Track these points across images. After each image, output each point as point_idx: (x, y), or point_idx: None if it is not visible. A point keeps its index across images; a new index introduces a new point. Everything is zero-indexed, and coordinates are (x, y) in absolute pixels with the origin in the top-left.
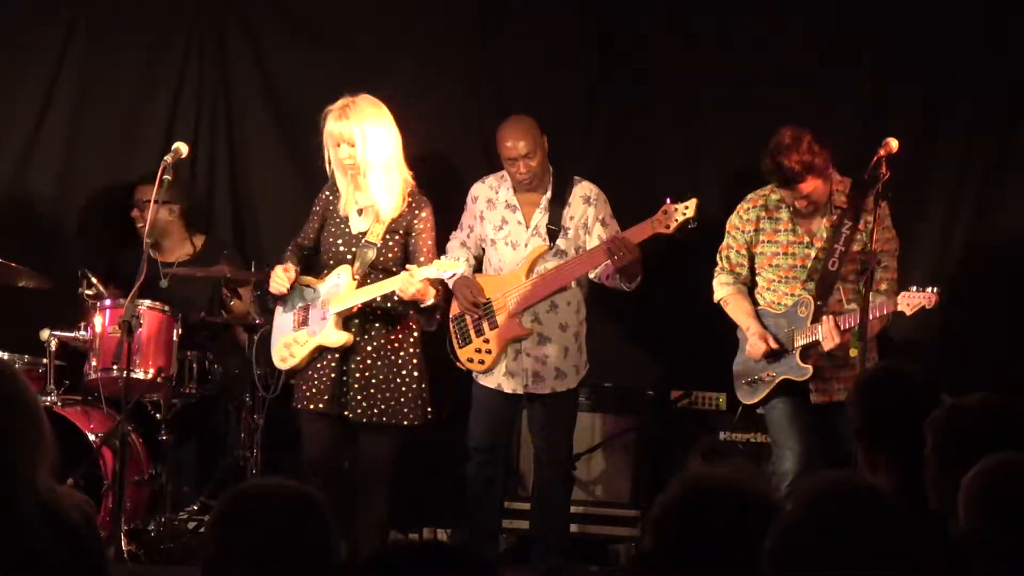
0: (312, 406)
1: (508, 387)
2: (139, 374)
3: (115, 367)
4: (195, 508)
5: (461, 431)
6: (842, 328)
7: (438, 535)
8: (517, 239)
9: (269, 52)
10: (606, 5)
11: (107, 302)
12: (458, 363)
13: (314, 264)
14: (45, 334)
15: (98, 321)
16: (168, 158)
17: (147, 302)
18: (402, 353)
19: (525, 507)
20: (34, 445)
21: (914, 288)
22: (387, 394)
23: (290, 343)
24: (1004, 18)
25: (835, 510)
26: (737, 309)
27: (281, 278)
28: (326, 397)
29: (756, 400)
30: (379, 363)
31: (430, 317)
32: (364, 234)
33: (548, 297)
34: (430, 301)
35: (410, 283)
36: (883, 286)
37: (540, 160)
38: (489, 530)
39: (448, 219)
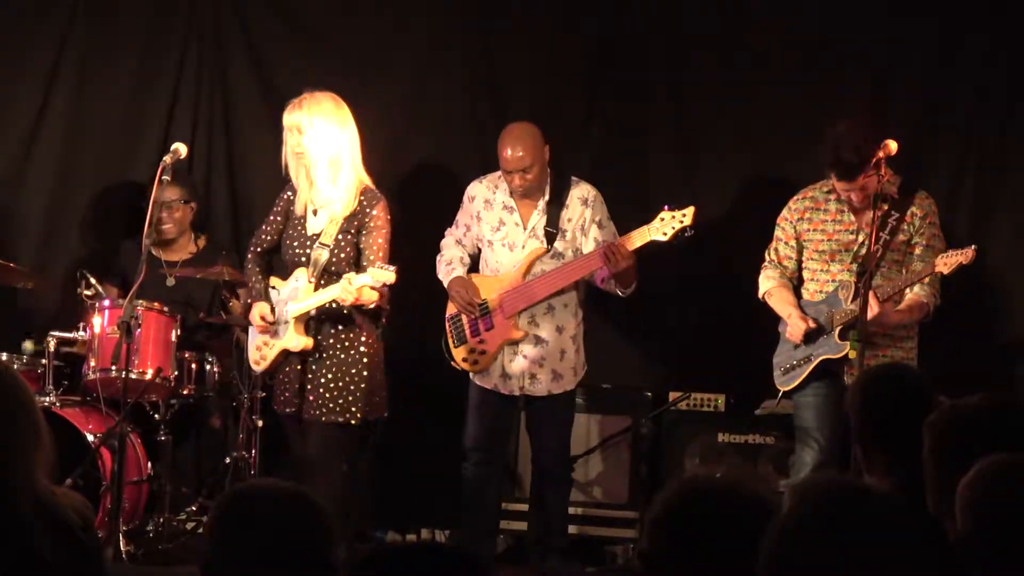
0: (287, 409)
1: (504, 388)
2: (138, 375)
3: (114, 368)
4: (193, 509)
5: (459, 432)
6: (882, 298)
7: (435, 536)
8: (514, 240)
9: (267, 53)
10: (605, 8)
11: (106, 302)
12: (453, 363)
13: (275, 263)
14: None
15: (97, 322)
16: (167, 159)
17: (145, 303)
18: (352, 352)
19: (523, 508)
20: (31, 445)
21: (949, 249)
22: (335, 392)
23: (260, 346)
24: (1002, 18)
25: (832, 512)
26: (780, 300)
27: (262, 323)
28: (296, 400)
29: (796, 383)
30: (327, 362)
31: (376, 319)
32: (318, 235)
33: (544, 300)
34: (371, 306)
35: (348, 291)
36: (926, 280)
37: (537, 173)
38: (486, 531)
39: (439, 218)
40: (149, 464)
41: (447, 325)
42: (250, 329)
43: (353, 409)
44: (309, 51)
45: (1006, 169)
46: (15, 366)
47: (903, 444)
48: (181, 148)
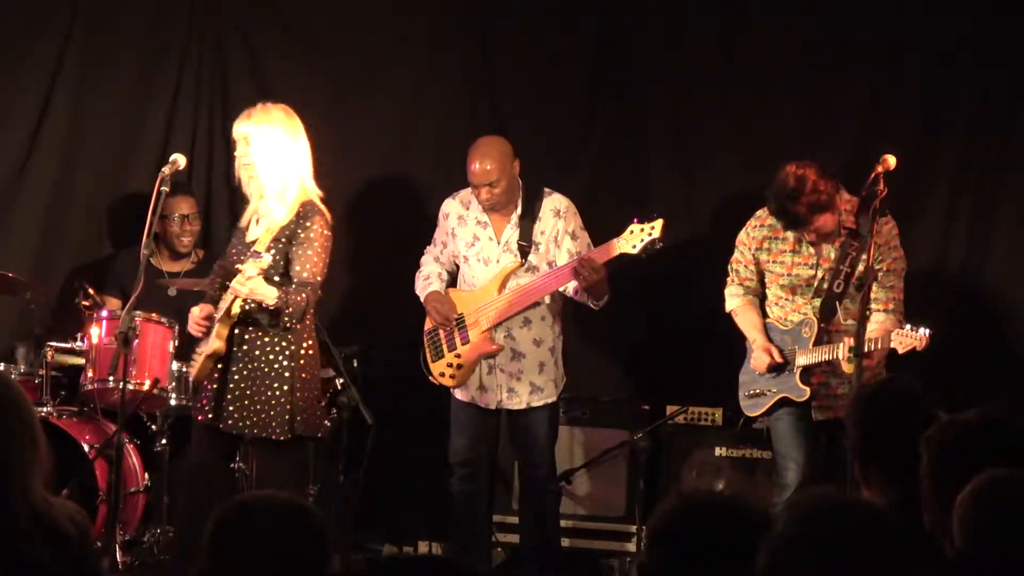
0: (200, 416)
1: (481, 401)
2: (135, 385)
3: (111, 378)
4: None
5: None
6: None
7: (432, 548)
8: (488, 255)
9: (267, 61)
10: (605, 13)
11: (104, 313)
12: (431, 377)
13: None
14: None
15: (94, 332)
16: (166, 170)
17: (143, 313)
18: (275, 365)
19: (517, 521)
20: (28, 455)
21: (908, 327)
22: (257, 407)
23: (194, 355)
24: (1001, 27)
25: (827, 526)
26: (746, 321)
27: (198, 324)
28: (212, 406)
29: (758, 413)
30: (247, 375)
31: (277, 319)
32: (253, 243)
33: (519, 313)
34: (270, 302)
35: (240, 283)
36: (890, 306)
37: (505, 187)
38: (479, 544)
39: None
40: (146, 475)
41: (425, 340)
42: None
43: (274, 424)
44: (309, 59)
45: (1007, 171)
46: (12, 376)
47: (900, 459)
48: (180, 159)
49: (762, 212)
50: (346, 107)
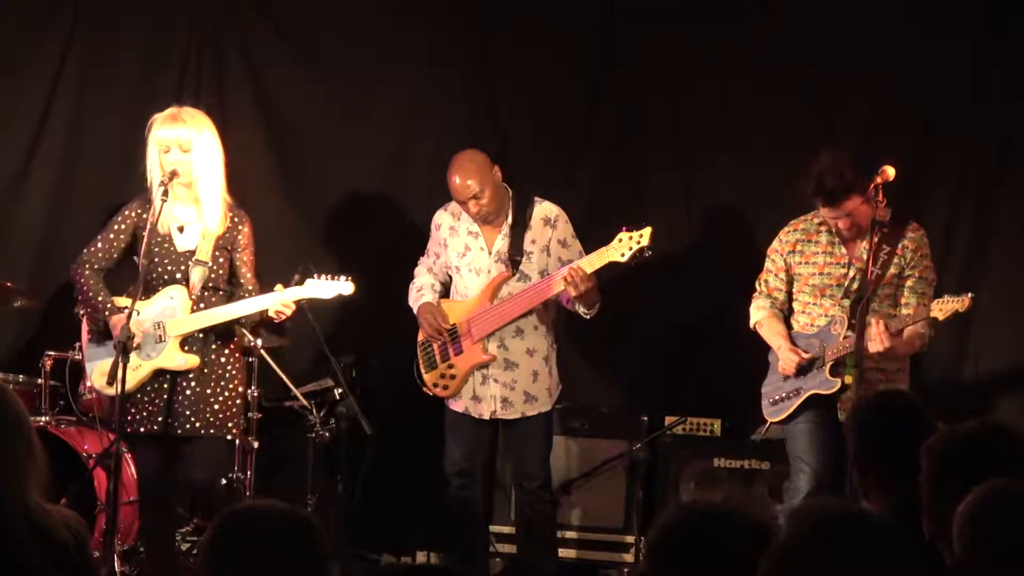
0: (142, 429)
1: (475, 411)
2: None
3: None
4: (188, 529)
5: None
6: (893, 332)
7: (430, 558)
8: (480, 265)
9: (267, 71)
10: (605, 28)
11: None
12: (424, 388)
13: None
14: None
15: None
16: (165, 179)
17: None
18: (229, 367)
19: (515, 531)
20: (24, 463)
21: (946, 295)
22: (215, 407)
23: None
24: (999, 36)
25: (829, 536)
26: (770, 331)
27: (127, 329)
28: (159, 419)
29: (783, 416)
30: (208, 377)
31: (278, 333)
32: (193, 252)
33: (511, 323)
34: (284, 318)
35: (283, 303)
36: (911, 311)
37: (491, 196)
38: (476, 554)
39: None
40: None
41: (418, 350)
42: (87, 354)
43: (230, 424)
44: (309, 69)
45: (1007, 173)
46: (10, 386)
47: (900, 469)
48: (179, 168)
49: (795, 220)
50: (345, 115)
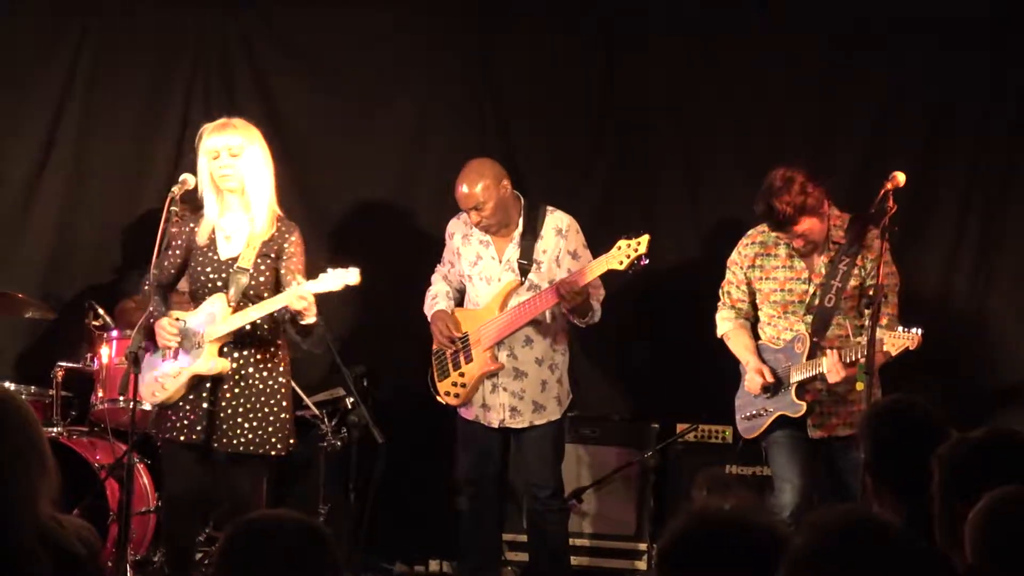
0: (182, 438)
1: (485, 420)
2: (145, 405)
3: (121, 398)
4: (201, 539)
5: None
6: (846, 361)
7: (443, 567)
8: (491, 274)
9: (273, 86)
10: (609, 41)
11: (114, 333)
12: (437, 396)
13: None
14: None
15: (105, 352)
16: (175, 189)
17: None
18: (270, 382)
19: (526, 539)
20: (36, 475)
21: (900, 328)
22: (255, 423)
23: (159, 377)
24: (1005, 47)
25: (845, 543)
26: (738, 344)
27: (171, 332)
28: (198, 428)
29: (755, 435)
30: (247, 392)
31: (311, 336)
32: (235, 260)
33: (517, 331)
34: (311, 319)
35: (300, 298)
36: (884, 321)
37: (493, 208)
38: (487, 562)
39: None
40: (156, 495)
41: (432, 359)
42: (144, 365)
43: (274, 440)
44: (314, 83)
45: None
46: (22, 396)
47: (913, 476)
48: (190, 179)
49: (752, 231)
50: (352, 129)
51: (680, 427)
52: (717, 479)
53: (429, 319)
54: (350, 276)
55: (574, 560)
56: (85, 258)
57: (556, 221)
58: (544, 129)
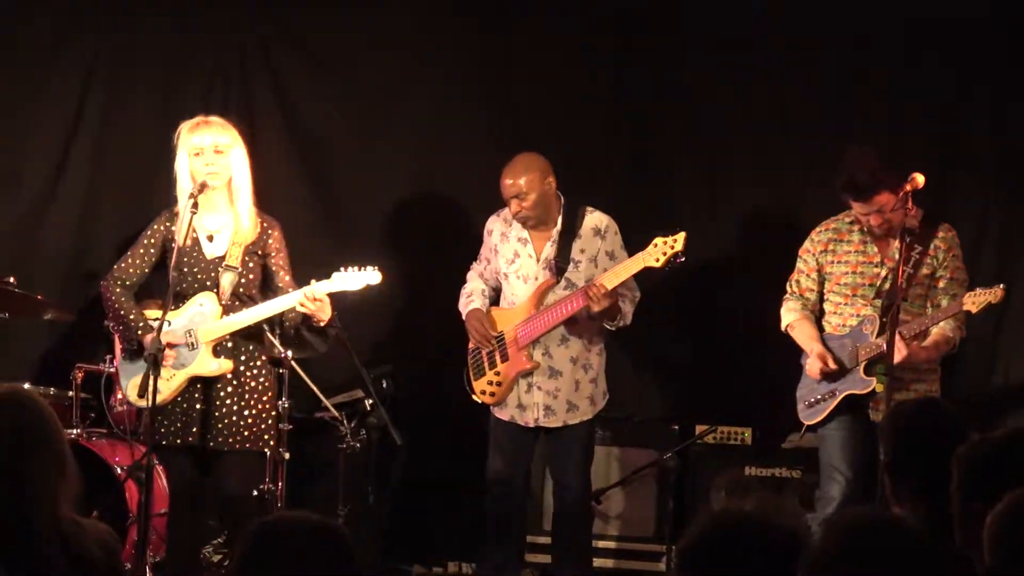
0: (179, 441)
1: (521, 419)
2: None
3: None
4: (220, 541)
5: (484, 464)
6: (907, 337)
7: (462, 569)
8: (528, 272)
9: (291, 88)
10: (624, 42)
11: None
12: (473, 395)
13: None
14: None
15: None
16: (194, 191)
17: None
18: (261, 379)
19: (547, 541)
20: (56, 477)
21: (978, 288)
22: (249, 420)
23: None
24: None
25: (864, 543)
26: (802, 333)
27: (158, 341)
28: (193, 430)
29: (820, 418)
30: (240, 389)
31: (324, 337)
32: (222, 258)
33: (551, 331)
34: (325, 319)
35: (313, 298)
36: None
37: (535, 201)
38: (511, 564)
39: (461, 251)
40: None
41: (468, 358)
42: (122, 368)
43: (266, 437)
44: (332, 86)
45: None
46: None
47: (933, 476)
48: (208, 181)
49: (827, 220)
50: (370, 132)
51: (699, 428)
52: (736, 481)
53: (464, 317)
54: (371, 277)
55: (596, 562)
56: (104, 260)
57: (595, 221)
58: (559, 129)
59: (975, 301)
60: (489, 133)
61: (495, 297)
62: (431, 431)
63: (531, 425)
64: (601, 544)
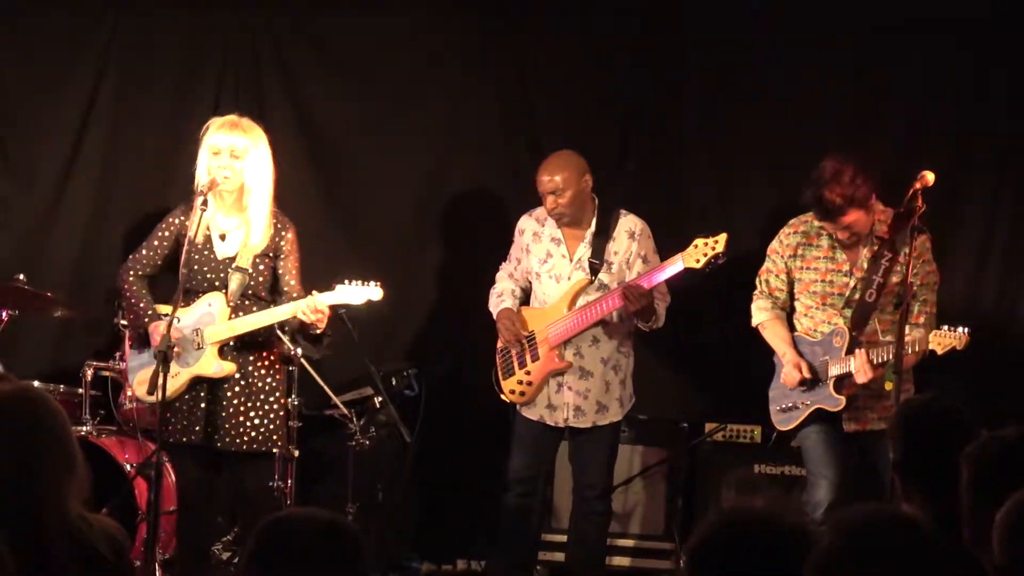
0: (184, 439)
1: (550, 419)
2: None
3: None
4: (229, 538)
5: (495, 462)
6: (875, 362)
7: (472, 566)
8: (560, 272)
9: (303, 85)
10: (639, 43)
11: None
12: (502, 395)
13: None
14: None
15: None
16: (204, 189)
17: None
18: (269, 380)
19: (561, 539)
20: (64, 474)
21: (946, 327)
22: (256, 421)
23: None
24: None
25: (873, 541)
26: (774, 335)
27: (167, 338)
28: (196, 428)
29: (791, 427)
30: (247, 391)
31: (318, 345)
32: (233, 259)
33: (585, 331)
34: (323, 327)
35: (310, 310)
36: (921, 319)
37: (572, 197)
38: (524, 562)
39: (475, 251)
40: None
41: (497, 358)
42: (133, 357)
43: (275, 438)
44: (345, 84)
45: None
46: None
47: (943, 475)
48: (218, 178)
49: (795, 220)
50: (383, 132)
51: (709, 426)
52: (746, 479)
53: (495, 317)
54: (373, 292)
55: (611, 560)
56: (114, 258)
57: (629, 224)
58: (574, 128)
59: (940, 343)
60: (503, 132)
61: (525, 298)
62: (444, 430)
63: (560, 425)
64: (610, 541)
